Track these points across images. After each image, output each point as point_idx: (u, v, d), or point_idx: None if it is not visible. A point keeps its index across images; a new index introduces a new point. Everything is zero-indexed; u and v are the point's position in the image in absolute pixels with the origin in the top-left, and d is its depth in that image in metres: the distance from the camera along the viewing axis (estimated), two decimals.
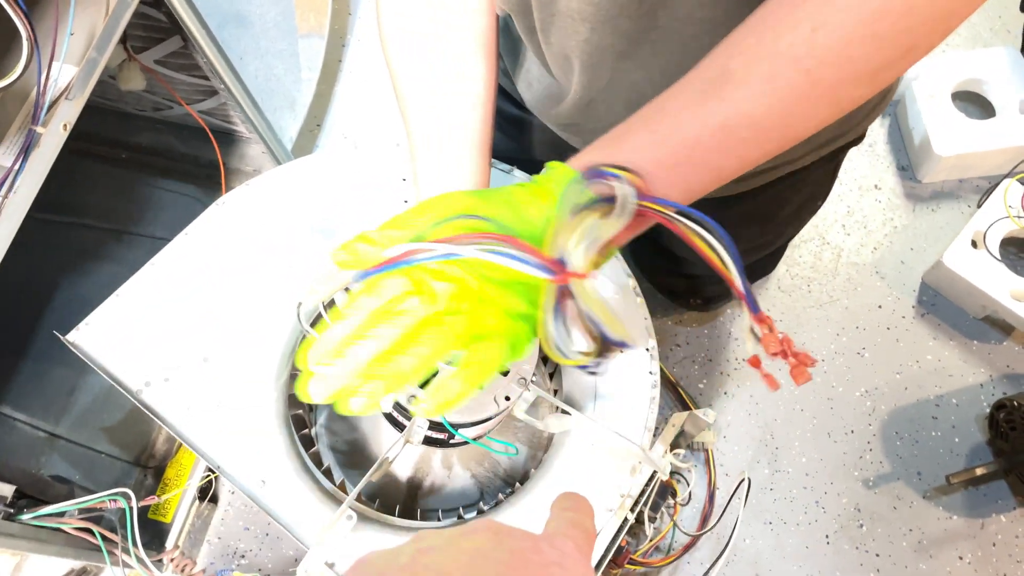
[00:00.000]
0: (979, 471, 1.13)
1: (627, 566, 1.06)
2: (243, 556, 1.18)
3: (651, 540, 1.11)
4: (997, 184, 1.30)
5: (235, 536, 1.19)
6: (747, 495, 0.98)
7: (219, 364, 0.83)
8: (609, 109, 0.80)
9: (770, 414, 1.24)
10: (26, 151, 0.75)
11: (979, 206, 1.31)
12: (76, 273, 1.27)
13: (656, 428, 0.87)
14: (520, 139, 1.02)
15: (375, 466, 0.76)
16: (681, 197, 0.51)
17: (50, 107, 0.78)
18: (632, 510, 0.87)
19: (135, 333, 0.83)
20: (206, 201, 1.33)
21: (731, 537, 0.93)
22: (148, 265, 0.86)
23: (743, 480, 1.00)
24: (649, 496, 0.93)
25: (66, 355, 1.21)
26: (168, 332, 0.84)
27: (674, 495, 1.06)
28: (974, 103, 1.48)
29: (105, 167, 1.35)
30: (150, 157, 1.35)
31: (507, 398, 0.73)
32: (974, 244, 1.26)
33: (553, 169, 0.53)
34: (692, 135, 0.49)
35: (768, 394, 1.25)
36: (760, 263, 1.14)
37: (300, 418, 0.89)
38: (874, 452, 1.21)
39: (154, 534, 1.10)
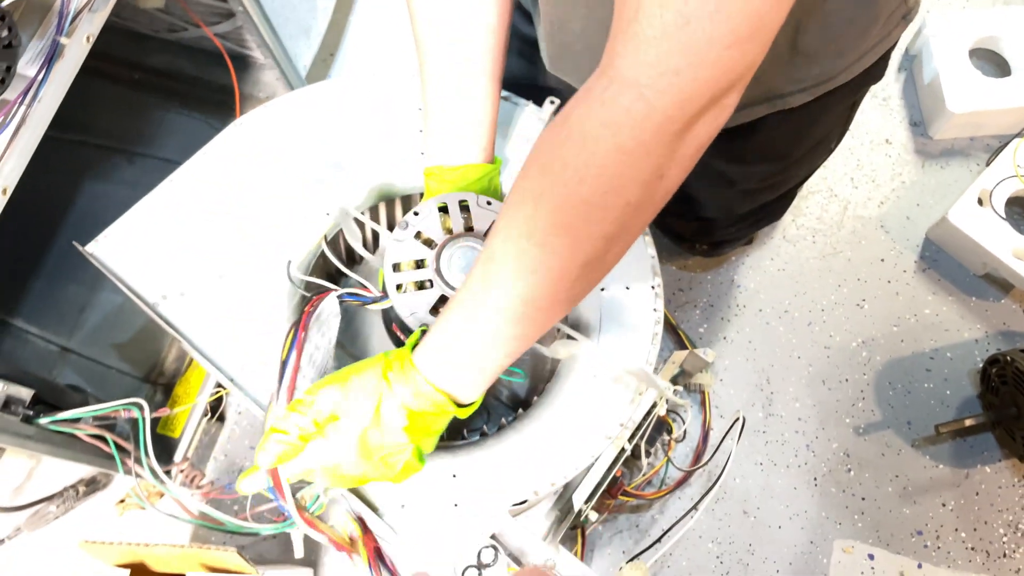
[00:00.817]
0: (968, 422, 1.16)
1: (620, 497, 1.10)
2: None
3: (644, 474, 1.15)
4: (1007, 143, 1.31)
5: (241, 455, 1.22)
6: (741, 433, 1.00)
7: (234, 281, 0.84)
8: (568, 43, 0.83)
9: (767, 360, 1.26)
10: (50, 61, 0.76)
11: (988, 164, 1.32)
12: (87, 192, 1.28)
13: (655, 368, 0.89)
14: (538, 63, 1.01)
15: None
16: (483, 373, 0.62)
17: (73, 18, 0.78)
18: (630, 440, 0.90)
19: (152, 247, 0.85)
20: (217, 126, 1.33)
21: (723, 471, 0.96)
22: (166, 181, 0.88)
23: (738, 418, 1.03)
24: (646, 429, 0.96)
25: (78, 272, 1.24)
26: (185, 248, 0.85)
27: (670, 431, 1.10)
28: (991, 61, 1.48)
29: (117, 88, 1.34)
30: (162, 80, 1.35)
31: None
32: (980, 202, 1.27)
33: (396, 357, 0.63)
34: (486, 315, 0.57)
35: (767, 341, 1.27)
36: (769, 207, 1.15)
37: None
38: (866, 401, 1.24)
39: (162, 449, 1.13)
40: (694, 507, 1.09)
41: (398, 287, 0.76)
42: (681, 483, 1.16)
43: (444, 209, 0.80)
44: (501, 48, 0.77)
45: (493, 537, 0.81)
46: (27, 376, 0.88)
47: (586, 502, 0.93)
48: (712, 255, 1.28)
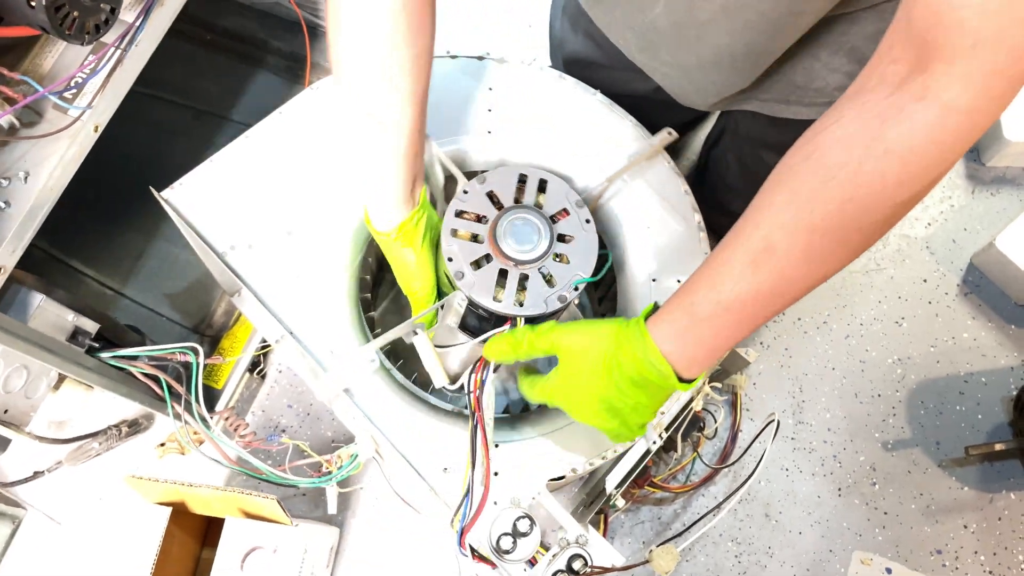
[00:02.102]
0: (998, 447, 1.17)
1: (647, 487, 1.12)
2: (283, 431, 1.24)
3: (671, 468, 1.16)
4: None
5: (278, 412, 1.25)
6: (775, 436, 1.02)
7: (301, 239, 0.87)
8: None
9: (801, 368, 1.28)
10: (148, 8, 0.79)
11: None
12: (153, 144, 1.31)
13: None
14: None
15: (404, 324, 0.82)
16: (716, 353, 0.64)
17: None
18: (666, 430, 0.92)
19: (225, 200, 0.88)
20: (284, 92, 1.37)
21: (753, 472, 0.97)
22: (242, 137, 0.90)
23: (772, 420, 1.04)
24: (682, 422, 0.98)
25: (138, 220, 1.27)
26: (255, 203, 0.88)
27: (701, 428, 1.11)
28: None
29: (190, 47, 1.38)
30: (234, 42, 1.38)
31: (563, 298, 0.79)
32: None
33: (633, 324, 0.67)
34: (746, 300, 0.59)
35: (803, 349, 1.29)
36: None
37: (367, 301, 0.94)
38: (897, 417, 1.24)
39: (205, 397, 1.16)
40: (719, 505, 1.11)
41: (453, 232, 0.79)
42: (707, 480, 1.18)
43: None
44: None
45: (529, 508, 0.83)
46: (94, 312, 0.91)
47: (617, 487, 0.95)
48: None
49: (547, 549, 0.82)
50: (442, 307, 0.83)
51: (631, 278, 0.91)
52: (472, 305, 0.80)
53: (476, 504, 0.77)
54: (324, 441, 1.24)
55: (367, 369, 0.84)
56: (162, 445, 1.17)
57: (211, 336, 1.22)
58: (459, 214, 0.80)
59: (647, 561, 0.84)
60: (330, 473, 1.02)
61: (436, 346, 0.82)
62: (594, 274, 0.81)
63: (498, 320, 0.80)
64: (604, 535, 1.12)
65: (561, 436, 0.85)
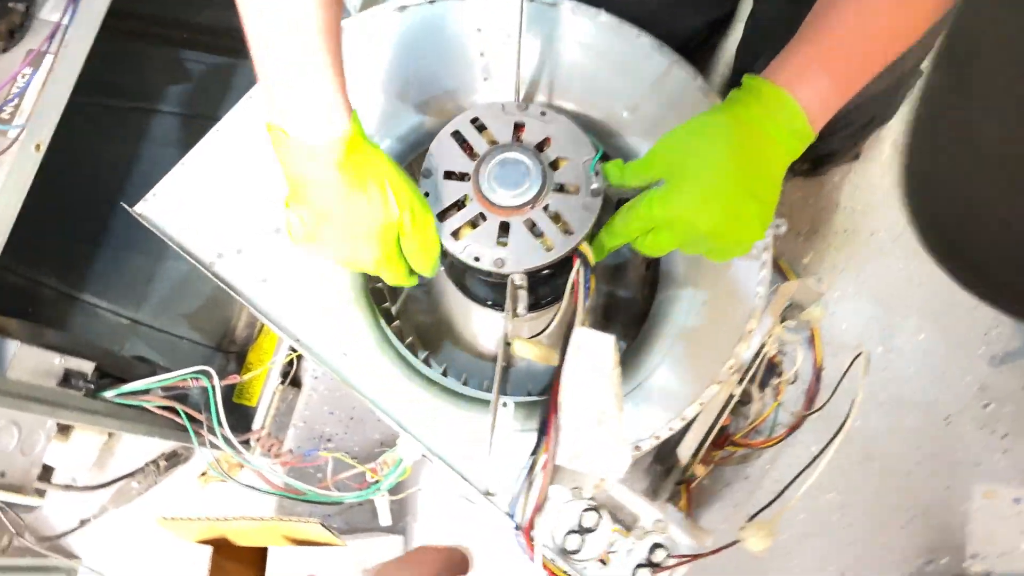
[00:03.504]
0: None
1: (727, 447, 1.00)
2: (329, 439, 1.17)
3: (752, 422, 1.04)
4: None
5: (320, 420, 1.17)
6: (866, 369, 0.89)
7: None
8: None
9: (883, 289, 1.13)
10: (75, 2, 0.69)
11: None
12: (147, 159, 1.24)
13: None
14: None
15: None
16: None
17: None
18: (739, 384, 0.80)
19: (204, 203, 0.78)
20: None
21: (849, 414, 0.85)
22: (212, 132, 0.81)
23: (861, 353, 0.91)
24: (756, 372, 0.86)
25: (143, 243, 1.19)
26: (238, 202, 0.78)
27: (779, 374, 0.99)
28: None
29: (166, 50, 1.29)
30: (210, 37, 1.29)
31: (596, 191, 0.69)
32: None
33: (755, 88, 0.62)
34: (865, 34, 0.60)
35: (881, 268, 1.14)
36: (879, 103, 1.00)
37: (380, 292, 0.84)
38: (1003, 327, 1.09)
39: (240, 418, 1.09)
40: (817, 457, 0.98)
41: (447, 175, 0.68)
42: (793, 429, 1.05)
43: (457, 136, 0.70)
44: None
45: (593, 499, 0.73)
46: (91, 349, 0.84)
47: (693, 456, 0.84)
48: (814, 175, 1.15)
49: (627, 532, 0.72)
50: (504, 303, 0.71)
51: None
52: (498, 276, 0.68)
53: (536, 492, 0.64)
54: (372, 443, 1.16)
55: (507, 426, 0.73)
56: (203, 474, 1.10)
57: (236, 352, 1.15)
58: (447, 175, 0.68)
59: (738, 541, 0.73)
60: (376, 483, 0.94)
61: (531, 341, 0.67)
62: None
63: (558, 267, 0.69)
64: (688, 506, 1.01)
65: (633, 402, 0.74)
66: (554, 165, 0.69)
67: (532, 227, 0.67)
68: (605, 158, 0.69)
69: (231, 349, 1.14)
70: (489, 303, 0.79)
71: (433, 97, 0.80)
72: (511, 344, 0.66)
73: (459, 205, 0.67)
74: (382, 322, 0.78)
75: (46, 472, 0.92)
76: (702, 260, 0.73)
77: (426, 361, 0.80)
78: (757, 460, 1.07)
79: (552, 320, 0.69)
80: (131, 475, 1.09)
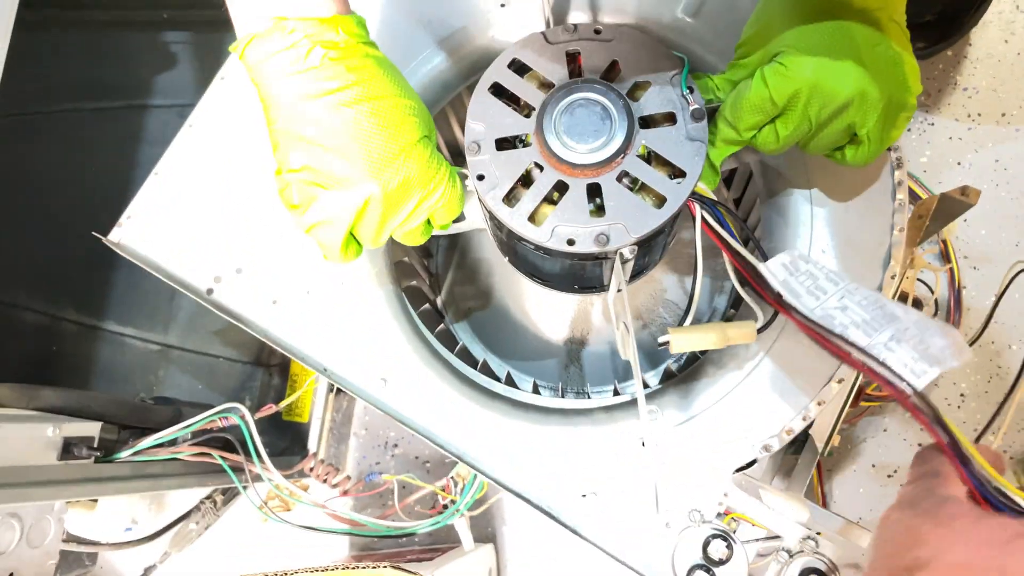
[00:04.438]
0: None
1: (861, 403, 0.83)
2: (396, 445, 1.04)
3: None
4: None
5: (382, 425, 1.05)
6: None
7: (300, 241, 0.63)
8: None
9: None
10: None
11: None
12: (149, 164, 1.11)
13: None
14: None
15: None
16: None
17: None
18: None
19: (190, 218, 0.64)
20: None
21: None
22: (184, 128, 0.66)
23: (1020, 268, 0.73)
24: None
25: None
26: (229, 210, 0.64)
27: (917, 305, 0.81)
28: None
29: (147, 36, 1.14)
30: (194, 10, 1.14)
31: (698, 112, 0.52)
32: None
33: None
34: None
35: (1021, 154, 0.93)
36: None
37: (416, 291, 0.69)
38: None
39: (294, 437, 0.97)
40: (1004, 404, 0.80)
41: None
42: None
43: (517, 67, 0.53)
44: None
45: (717, 519, 0.57)
46: (98, 402, 0.71)
47: (831, 431, 0.68)
48: (927, 54, 0.93)
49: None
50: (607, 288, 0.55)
51: None
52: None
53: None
54: None
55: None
56: (261, 508, 0.99)
57: (277, 364, 1.02)
58: (500, 144, 0.52)
59: None
60: (452, 502, 0.81)
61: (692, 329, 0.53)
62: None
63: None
64: (819, 478, 0.85)
65: (734, 402, 0.58)
66: (632, 95, 0.52)
67: (630, 182, 0.50)
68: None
69: (271, 362, 1.02)
70: (575, 286, 0.62)
71: (443, 41, 0.63)
72: (668, 343, 0.51)
73: (525, 180, 0.51)
74: (425, 331, 0.63)
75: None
76: (818, 198, 0.56)
77: (486, 369, 0.65)
78: (895, 410, 0.89)
79: (692, 294, 0.53)
80: (187, 516, 0.98)
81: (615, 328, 0.56)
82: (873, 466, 0.89)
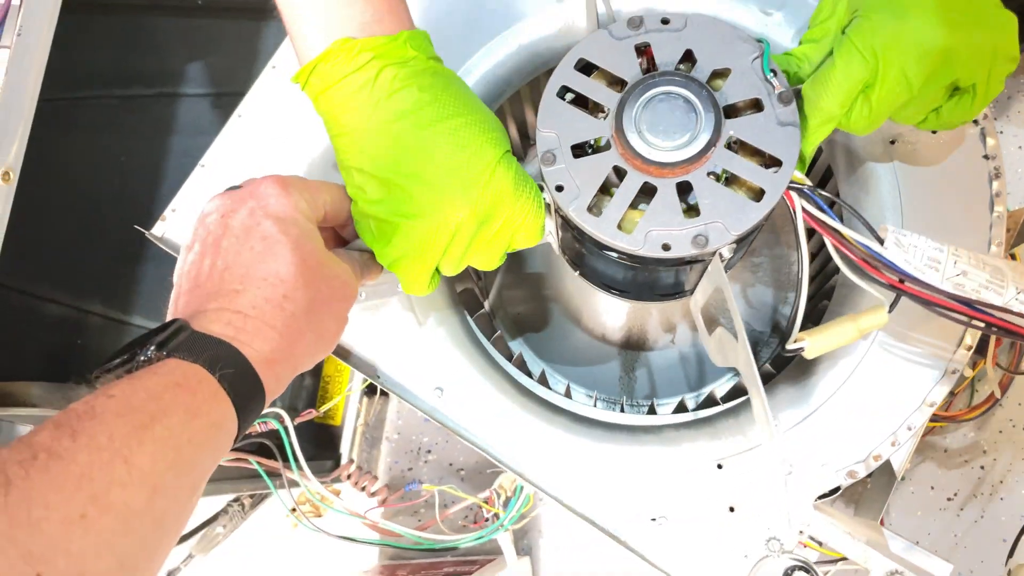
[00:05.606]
0: None
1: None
2: (429, 451, 1.00)
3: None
4: None
5: (416, 430, 1.01)
6: None
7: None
8: None
9: None
10: None
11: None
12: (181, 155, 1.08)
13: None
14: None
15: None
16: None
17: None
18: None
19: None
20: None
21: None
22: (233, 118, 0.63)
23: None
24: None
25: None
26: None
27: None
28: None
29: (180, 22, 1.11)
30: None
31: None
32: None
33: None
34: None
35: None
36: None
37: (471, 295, 0.65)
38: None
39: (325, 441, 0.94)
40: None
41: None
42: (1005, 389, 0.83)
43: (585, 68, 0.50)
44: None
45: (798, 549, 0.54)
46: None
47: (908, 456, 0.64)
48: None
49: None
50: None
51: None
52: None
53: None
54: (478, 453, 0.99)
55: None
56: (294, 511, 0.96)
57: None
58: (576, 151, 0.48)
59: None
60: (496, 516, 0.77)
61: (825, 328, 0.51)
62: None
63: None
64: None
65: (817, 423, 0.54)
66: (711, 84, 0.48)
67: (721, 176, 0.47)
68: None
69: None
70: (658, 294, 0.58)
71: (498, 39, 0.60)
72: (803, 348, 0.48)
73: (606, 187, 0.47)
74: (483, 338, 0.60)
75: None
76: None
77: (543, 380, 0.61)
78: (957, 430, 0.86)
79: (800, 293, 0.50)
80: (214, 519, 0.95)
81: (701, 334, 0.53)
82: (932, 488, 0.85)
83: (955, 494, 0.85)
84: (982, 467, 0.85)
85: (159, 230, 0.61)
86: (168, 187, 1.02)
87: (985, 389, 0.81)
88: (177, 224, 0.61)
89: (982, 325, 0.47)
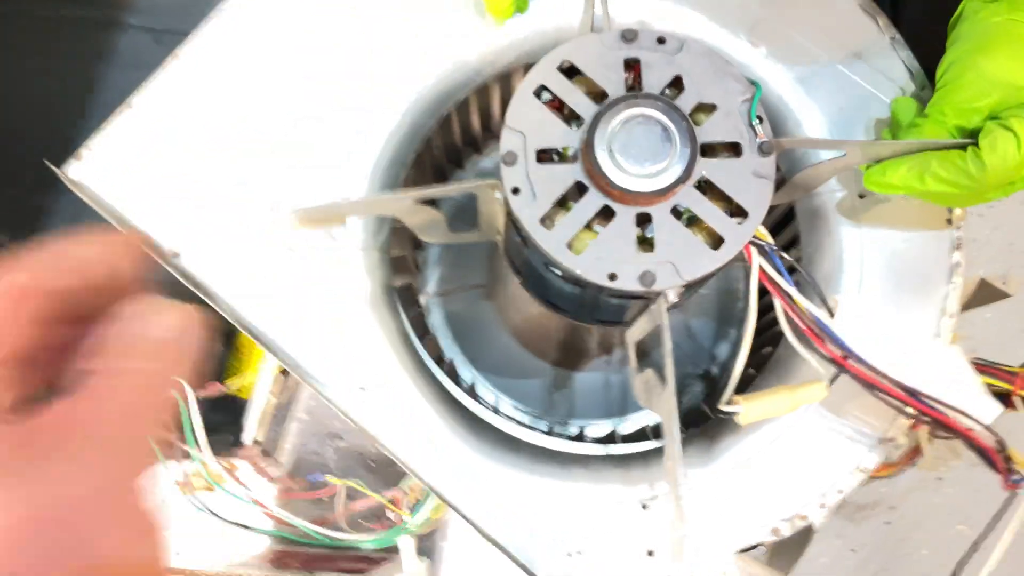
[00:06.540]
0: None
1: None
2: (340, 437, 0.96)
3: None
4: None
5: (329, 412, 0.96)
6: None
7: (289, 213, 0.54)
8: None
9: None
10: None
11: None
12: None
13: None
14: None
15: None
16: None
17: None
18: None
19: (165, 167, 0.55)
20: None
21: None
22: (170, 58, 0.57)
23: None
24: None
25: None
26: (212, 165, 0.55)
27: None
28: None
29: None
30: None
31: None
32: None
33: None
34: None
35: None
36: None
37: (408, 292, 0.61)
38: None
39: (228, 411, 0.89)
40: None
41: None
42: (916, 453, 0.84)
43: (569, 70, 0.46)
44: None
45: None
46: None
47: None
48: None
49: None
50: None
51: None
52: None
53: None
54: None
55: None
56: (183, 483, 0.90)
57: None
58: (541, 156, 0.44)
59: None
60: (403, 521, 0.74)
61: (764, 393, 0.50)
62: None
63: None
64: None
65: (747, 477, 0.53)
66: (693, 117, 0.45)
67: (683, 215, 0.44)
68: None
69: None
70: (595, 319, 0.54)
71: (477, 27, 0.56)
72: (737, 413, 0.47)
73: (565, 201, 0.44)
74: (416, 340, 0.56)
75: None
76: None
77: (472, 392, 0.58)
78: (867, 484, 0.86)
79: (737, 353, 0.47)
80: None
81: (631, 368, 0.50)
82: (838, 538, 0.86)
83: (860, 546, 0.85)
84: (887, 523, 0.86)
85: (74, 171, 0.55)
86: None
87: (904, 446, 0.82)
88: (94, 168, 0.55)
89: (917, 414, 0.48)
